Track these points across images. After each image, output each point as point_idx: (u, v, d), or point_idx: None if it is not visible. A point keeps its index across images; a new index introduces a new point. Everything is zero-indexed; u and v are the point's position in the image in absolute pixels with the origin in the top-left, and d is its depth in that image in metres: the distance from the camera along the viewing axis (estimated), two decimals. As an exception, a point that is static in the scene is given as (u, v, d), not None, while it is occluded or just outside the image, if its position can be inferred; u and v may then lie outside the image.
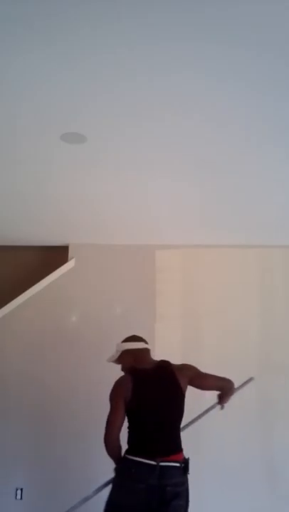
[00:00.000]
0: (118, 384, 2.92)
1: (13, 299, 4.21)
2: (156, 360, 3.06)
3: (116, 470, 2.84)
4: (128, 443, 2.85)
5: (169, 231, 4.09)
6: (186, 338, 4.17)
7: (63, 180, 3.14)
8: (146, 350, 3.10)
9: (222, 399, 3.14)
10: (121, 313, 4.20)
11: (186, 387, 2.97)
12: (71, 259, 4.33)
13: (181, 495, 2.77)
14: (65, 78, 2.08)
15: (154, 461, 2.72)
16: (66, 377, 4.07)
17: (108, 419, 2.84)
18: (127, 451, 2.82)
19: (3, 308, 4.19)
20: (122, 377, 2.98)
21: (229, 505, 3.86)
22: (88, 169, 2.96)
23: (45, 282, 4.26)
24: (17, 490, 3.90)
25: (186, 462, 2.81)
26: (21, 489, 3.89)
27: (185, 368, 3.03)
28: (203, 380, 3.03)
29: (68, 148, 2.65)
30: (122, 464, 2.81)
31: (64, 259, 4.33)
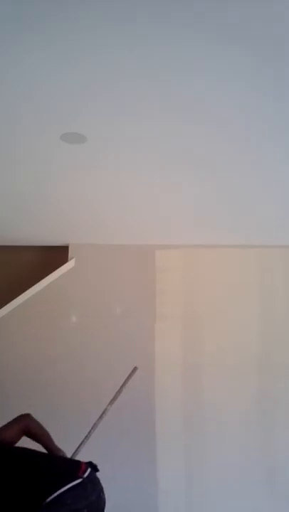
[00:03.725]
0: None
1: (13, 299, 4.21)
2: None
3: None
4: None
5: (169, 231, 4.09)
6: (186, 338, 4.17)
7: (63, 180, 3.14)
8: None
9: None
10: (121, 313, 4.20)
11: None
12: (71, 259, 4.33)
13: None
14: (65, 78, 2.08)
15: (78, 477, 2.42)
16: (66, 377, 4.07)
17: None
18: (48, 493, 2.37)
19: (3, 308, 4.19)
20: None
21: (230, 505, 3.86)
22: (88, 169, 2.96)
23: (45, 282, 4.26)
24: (17, 490, 3.89)
25: (90, 462, 2.56)
26: (21, 489, 3.89)
27: None
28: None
29: (68, 148, 2.65)
30: (53, 506, 2.35)
31: (64, 259, 4.33)
